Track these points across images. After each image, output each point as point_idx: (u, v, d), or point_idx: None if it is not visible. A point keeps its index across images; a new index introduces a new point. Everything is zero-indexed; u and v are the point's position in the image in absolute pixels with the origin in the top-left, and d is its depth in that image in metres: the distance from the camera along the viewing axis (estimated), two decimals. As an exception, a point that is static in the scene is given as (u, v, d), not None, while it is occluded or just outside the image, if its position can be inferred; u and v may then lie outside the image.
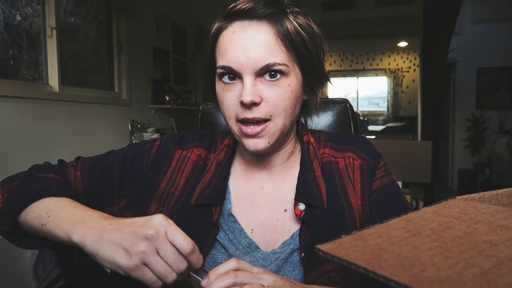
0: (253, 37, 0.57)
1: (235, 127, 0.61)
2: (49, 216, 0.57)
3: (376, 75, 7.43)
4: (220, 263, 0.62)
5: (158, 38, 3.45)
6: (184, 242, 0.49)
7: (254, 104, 0.58)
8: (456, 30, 3.94)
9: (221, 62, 0.59)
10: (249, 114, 0.58)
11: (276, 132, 0.61)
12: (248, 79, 0.57)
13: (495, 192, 0.49)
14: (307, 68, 0.62)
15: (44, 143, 2.15)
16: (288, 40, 0.58)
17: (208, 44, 0.63)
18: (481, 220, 0.39)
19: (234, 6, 0.59)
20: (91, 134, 2.56)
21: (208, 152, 0.72)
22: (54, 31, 2.26)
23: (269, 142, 0.61)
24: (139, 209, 0.68)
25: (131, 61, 3.06)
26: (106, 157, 0.73)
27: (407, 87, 7.12)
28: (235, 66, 0.58)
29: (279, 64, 0.57)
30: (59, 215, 0.57)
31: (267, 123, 0.59)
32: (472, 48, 5.04)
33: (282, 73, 0.58)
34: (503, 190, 0.50)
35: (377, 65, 7.34)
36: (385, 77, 7.32)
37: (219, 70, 0.60)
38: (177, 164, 0.70)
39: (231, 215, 0.67)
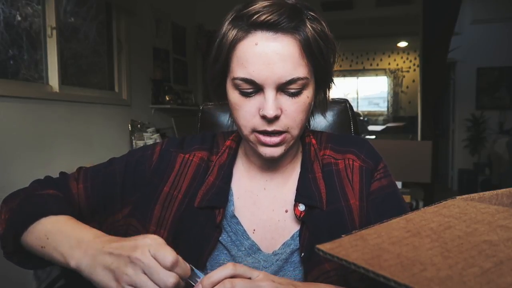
0: (278, 51, 0.56)
1: (251, 136, 0.61)
2: (47, 238, 0.57)
3: (376, 75, 7.43)
4: (223, 263, 0.61)
5: (158, 38, 3.44)
6: (165, 257, 0.47)
7: (275, 117, 0.58)
8: (456, 30, 3.93)
9: (241, 73, 0.57)
10: (269, 127, 0.58)
11: (292, 140, 0.62)
12: (271, 93, 0.57)
13: (495, 192, 0.49)
14: (321, 75, 0.62)
15: (44, 143, 2.15)
16: (309, 52, 0.58)
17: (223, 51, 0.60)
18: (481, 220, 0.39)
19: (258, 17, 0.55)
20: (91, 134, 2.56)
21: (210, 154, 0.72)
22: (54, 31, 2.26)
23: (285, 149, 0.62)
24: (143, 215, 0.67)
25: (131, 61, 3.06)
26: (107, 165, 0.72)
27: (407, 87, 7.11)
28: (258, 80, 0.56)
29: (302, 79, 0.57)
30: (57, 238, 0.57)
31: (285, 134, 0.60)
32: (472, 48, 5.03)
33: (303, 87, 0.58)
34: (503, 190, 0.50)
35: (377, 65, 7.34)
36: (385, 77, 7.32)
37: (237, 81, 0.58)
38: (180, 168, 0.70)
39: (234, 216, 0.67)
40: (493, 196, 0.49)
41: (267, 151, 0.61)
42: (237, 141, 0.73)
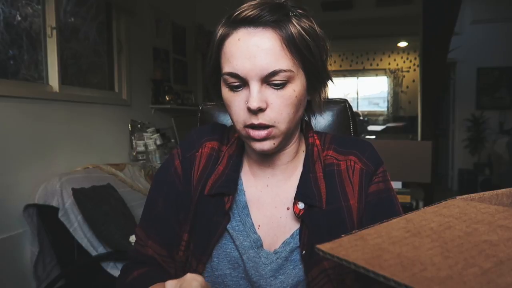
0: (259, 44, 0.57)
1: (242, 131, 0.63)
2: None
3: (376, 75, 7.42)
4: (229, 253, 0.65)
5: (158, 38, 3.44)
6: None
7: (260, 110, 0.59)
8: (456, 30, 3.93)
9: (227, 68, 0.60)
10: (255, 120, 0.60)
11: (281, 135, 0.62)
12: (255, 85, 0.58)
13: (495, 192, 0.49)
14: (311, 71, 0.63)
15: (44, 143, 2.15)
16: (293, 46, 0.59)
17: (213, 50, 0.64)
18: (481, 220, 0.39)
19: (240, 13, 0.59)
20: (91, 134, 2.56)
21: (220, 144, 0.74)
22: (54, 31, 2.26)
23: (274, 144, 0.63)
24: (187, 220, 0.70)
25: (131, 61, 3.06)
26: (152, 209, 0.73)
27: (407, 87, 7.11)
28: (241, 73, 0.58)
29: (285, 71, 0.58)
30: None
31: (271, 128, 0.61)
32: (472, 48, 5.04)
33: (287, 79, 0.59)
34: (503, 190, 0.50)
35: (377, 65, 7.34)
36: (385, 77, 7.32)
37: (225, 76, 0.61)
38: (196, 164, 0.73)
39: (246, 207, 0.69)
40: (493, 196, 0.49)
41: (257, 146, 0.62)
42: None
